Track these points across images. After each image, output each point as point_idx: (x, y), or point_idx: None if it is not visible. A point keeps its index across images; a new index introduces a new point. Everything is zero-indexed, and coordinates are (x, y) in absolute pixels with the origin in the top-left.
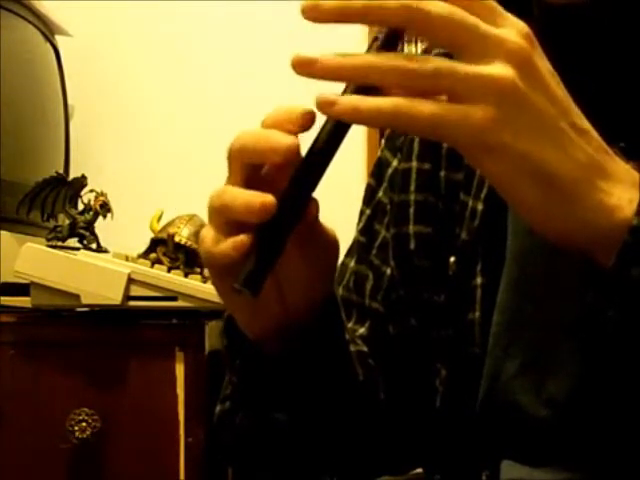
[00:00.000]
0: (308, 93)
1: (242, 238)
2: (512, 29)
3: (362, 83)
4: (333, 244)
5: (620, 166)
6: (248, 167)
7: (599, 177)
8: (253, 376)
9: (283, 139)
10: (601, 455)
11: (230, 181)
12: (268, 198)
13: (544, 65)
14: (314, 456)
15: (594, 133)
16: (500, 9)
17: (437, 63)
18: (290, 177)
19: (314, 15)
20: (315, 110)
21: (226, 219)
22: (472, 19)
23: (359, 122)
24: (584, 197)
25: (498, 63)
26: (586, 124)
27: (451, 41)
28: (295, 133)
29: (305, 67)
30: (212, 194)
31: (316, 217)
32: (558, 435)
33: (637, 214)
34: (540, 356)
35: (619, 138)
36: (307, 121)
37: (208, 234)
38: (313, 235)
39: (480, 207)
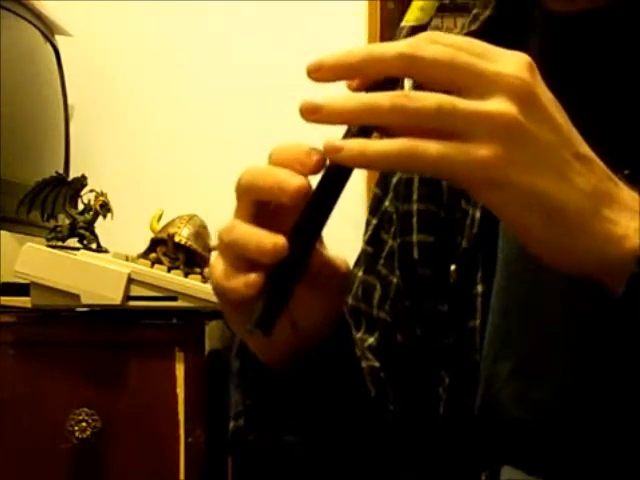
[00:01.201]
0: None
1: (254, 277)
2: (510, 63)
3: (366, 124)
4: (342, 273)
5: (626, 193)
6: (257, 202)
7: (605, 206)
8: (265, 398)
9: (292, 180)
10: (595, 463)
11: (238, 215)
12: (280, 240)
13: (545, 95)
14: (323, 473)
15: (598, 161)
16: (493, 47)
17: (438, 101)
18: (298, 217)
19: (320, 75)
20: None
21: (237, 255)
22: (468, 58)
23: (365, 167)
24: (590, 227)
25: (498, 99)
26: (590, 152)
27: (449, 83)
28: (304, 175)
29: (312, 114)
30: (221, 228)
31: (323, 259)
32: (546, 442)
33: None
34: (531, 360)
35: (624, 165)
36: (317, 165)
37: (219, 266)
38: (324, 273)
39: (478, 215)
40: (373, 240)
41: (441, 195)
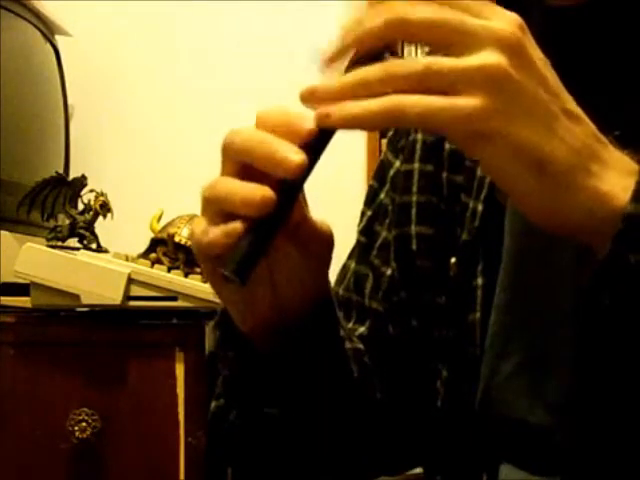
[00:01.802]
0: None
1: (234, 225)
2: (500, 18)
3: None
4: (327, 238)
5: (614, 153)
6: (243, 163)
7: (593, 163)
8: (245, 369)
9: (293, 157)
10: (602, 464)
11: (224, 172)
12: (268, 192)
13: (535, 51)
14: (309, 453)
15: (587, 120)
16: (489, 3)
17: (426, 63)
18: None
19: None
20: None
21: (220, 210)
22: (456, 16)
23: (355, 128)
24: (578, 183)
25: (487, 51)
26: (579, 110)
27: (439, 42)
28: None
29: (309, 99)
30: (205, 185)
31: (304, 214)
32: (554, 441)
33: (632, 201)
34: (536, 356)
35: (614, 127)
36: (310, 135)
37: (199, 225)
38: (305, 229)
39: (480, 208)
40: (367, 231)
41: (441, 187)
